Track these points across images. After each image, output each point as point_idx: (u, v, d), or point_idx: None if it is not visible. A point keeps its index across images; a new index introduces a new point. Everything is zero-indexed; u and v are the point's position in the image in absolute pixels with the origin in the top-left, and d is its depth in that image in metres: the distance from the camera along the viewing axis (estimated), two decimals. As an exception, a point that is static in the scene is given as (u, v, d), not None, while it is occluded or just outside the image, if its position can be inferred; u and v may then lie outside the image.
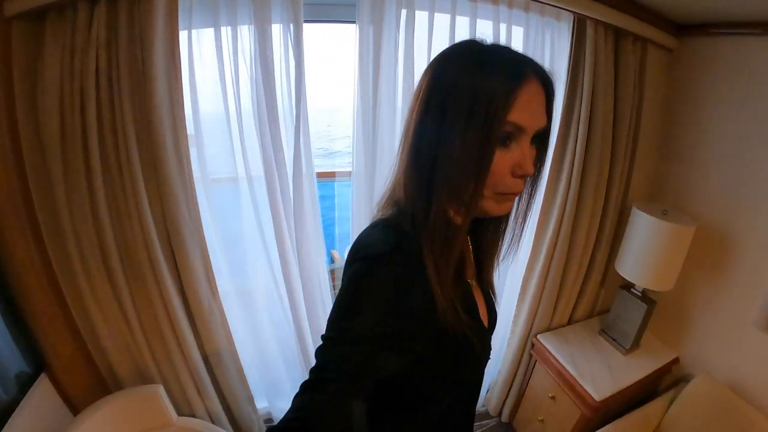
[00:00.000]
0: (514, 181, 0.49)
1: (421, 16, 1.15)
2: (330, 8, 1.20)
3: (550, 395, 1.49)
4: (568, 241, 1.45)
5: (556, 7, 1.20)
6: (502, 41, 1.20)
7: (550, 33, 1.32)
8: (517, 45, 1.27)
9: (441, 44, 1.18)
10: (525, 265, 1.51)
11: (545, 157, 0.55)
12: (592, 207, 1.44)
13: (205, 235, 1.13)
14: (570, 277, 1.52)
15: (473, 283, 0.63)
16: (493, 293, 0.69)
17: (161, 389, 1.20)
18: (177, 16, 0.91)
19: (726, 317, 1.42)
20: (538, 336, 1.56)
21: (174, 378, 1.24)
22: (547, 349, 1.51)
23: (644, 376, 1.44)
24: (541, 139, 0.51)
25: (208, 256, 1.15)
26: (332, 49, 1.36)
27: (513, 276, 1.60)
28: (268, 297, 1.38)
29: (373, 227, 0.54)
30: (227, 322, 1.27)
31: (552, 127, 0.52)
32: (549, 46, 1.33)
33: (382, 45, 1.11)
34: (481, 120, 0.45)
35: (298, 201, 1.17)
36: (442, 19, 1.18)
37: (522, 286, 1.54)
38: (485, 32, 1.19)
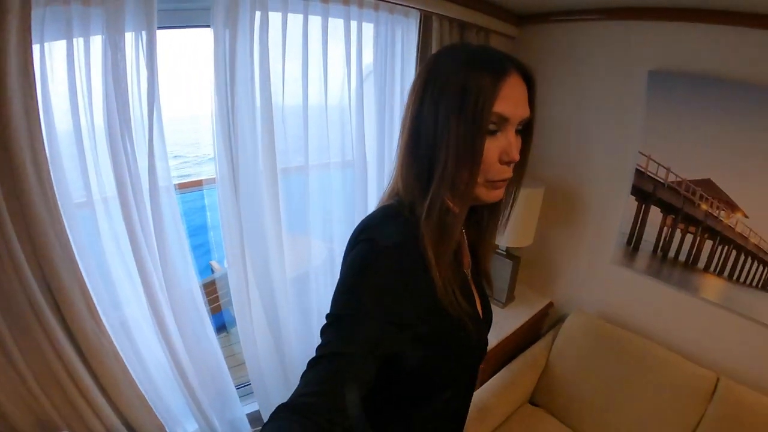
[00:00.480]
0: (502, 168, 0.56)
1: (275, 18, 1.23)
2: (185, 13, 1.23)
3: None
4: None
5: (403, 5, 1.37)
6: (353, 38, 1.36)
7: (400, 28, 1.49)
8: (368, 40, 1.42)
9: (295, 44, 1.28)
10: None
11: (530, 145, 0.62)
12: None
13: (80, 265, 1.08)
14: None
15: (468, 273, 0.69)
16: (489, 286, 0.76)
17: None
18: (30, 31, 0.87)
19: (586, 260, 1.74)
20: None
21: (78, 420, 1.18)
22: None
23: (523, 323, 1.70)
24: (525, 129, 0.59)
25: (87, 288, 1.10)
26: (192, 54, 1.40)
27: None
28: (140, 324, 1.33)
29: (377, 212, 0.61)
30: (119, 354, 1.22)
31: (535, 117, 0.60)
32: (399, 41, 1.50)
33: (237, 48, 1.18)
34: (471, 112, 0.51)
35: (158, 218, 1.17)
36: (295, 20, 1.27)
37: None
38: (338, 31, 1.33)
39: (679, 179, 1.49)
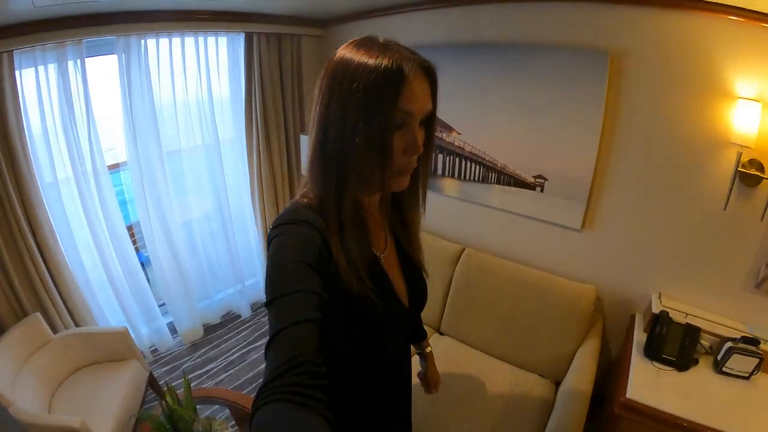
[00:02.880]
0: (407, 160, 0.73)
1: (152, 43, 2.47)
2: (100, 47, 2.33)
3: None
4: (268, 156, 3.03)
5: (231, 31, 2.70)
6: (201, 52, 2.63)
7: (233, 42, 2.81)
8: (212, 51, 2.72)
9: (165, 59, 2.55)
10: (248, 176, 3.04)
11: (433, 135, 0.80)
12: (277, 137, 3.02)
13: (48, 212, 2.27)
14: (278, 180, 3.12)
15: (382, 256, 0.88)
16: (423, 270, 1.00)
17: (39, 316, 2.22)
18: (14, 66, 2.27)
19: None
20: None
21: (43, 311, 2.29)
22: None
23: None
24: (428, 121, 0.76)
25: (52, 224, 2.30)
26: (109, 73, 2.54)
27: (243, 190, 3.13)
28: (89, 248, 2.62)
29: (287, 206, 0.80)
30: (69, 266, 2.44)
31: (436, 109, 0.77)
32: (233, 51, 2.81)
33: (131, 67, 2.42)
34: (378, 112, 0.67)
35: (98, 186, 2.44)
36: (165, 43, 2.53)
37: (251, 192, 3.10)
38: (189, 44, 2.59)
39: None
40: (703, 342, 2.05)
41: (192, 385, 1.75)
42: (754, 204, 1.91)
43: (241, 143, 3.01)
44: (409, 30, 2.64)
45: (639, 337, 2.11)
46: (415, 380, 1.20)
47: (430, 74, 0.74)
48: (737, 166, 1.86)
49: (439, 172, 2.70)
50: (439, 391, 1.43)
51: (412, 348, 1.34)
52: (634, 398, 1.79)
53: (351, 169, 0.72)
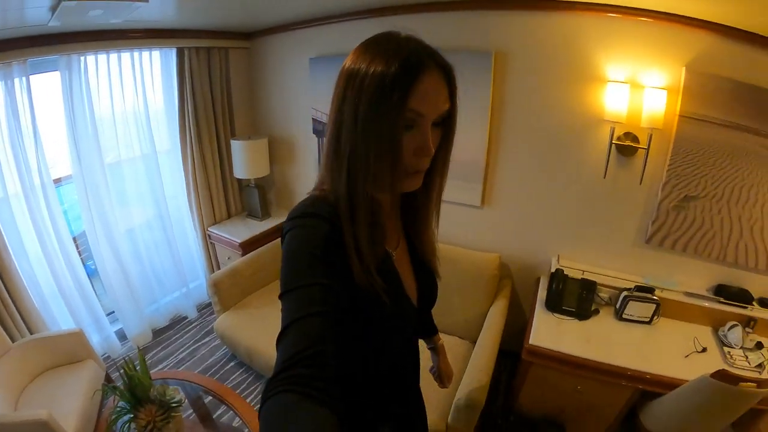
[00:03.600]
0: (417, 161, 0.76)
1: (91, 60, 2.78)
2: (44, 64, 2.58)
3: (228, 257, 3.29)
4: (202, 162, 3.39)
5: (163, 47, 3.05)
6: (137, 67, 2.99)
7: (166, 57, 3.15)
8: (147, 66, 3.06)
9: (103, 74, 2.87)
10: (184, 182, 3.38)
11: (451, 137, 0.84)
12: (209, 144, 3.39)
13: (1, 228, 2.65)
14: (212, 184, 3.50)
15: (393, 253, 0.94)
16: (436, 272, 1.05)
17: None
18: None
19: (306, 181, 3.43)
20: (210, 228, 3.39)
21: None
22: (218, 235, 3.42)
23: (275, 225, 3.52)
24: (445, 122, 0.79)
25: (4, 238, 2.55)
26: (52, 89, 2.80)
27: (181, 196, 3.42)
28: (39, 260, 2.88)
29: (301, 200, 0.85)
30: (21, 277, 2.67)
31: (456, 110, 0.80)
32: (166, 65, 3.16)
33: (72, 82, 2.73)
34: (387, 109, 0.69)
35: (46, 199, 2.73)
36: (103, 59, 2.83)
37: (188, 198, 3.45)
38: (125, 60, 2.91)
39: None
40: (601, 294, 2.55)
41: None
42: (633, 170, 2.45)
43: (177, 152, 3.36)
44: (330, 41, 3.08)
45: (542, 294, 2.59)
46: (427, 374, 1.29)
47: (447, 73, 0.76)
48: (611, 140, 2.39)
49: None
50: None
51: (424, 342, 1.43)
52: (537, 344, 2.25)
53: (361, 168, 0.75)
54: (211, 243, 3.65)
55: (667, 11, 2.14)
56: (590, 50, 2.34)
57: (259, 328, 2.81)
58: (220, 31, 3.26)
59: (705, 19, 2.11)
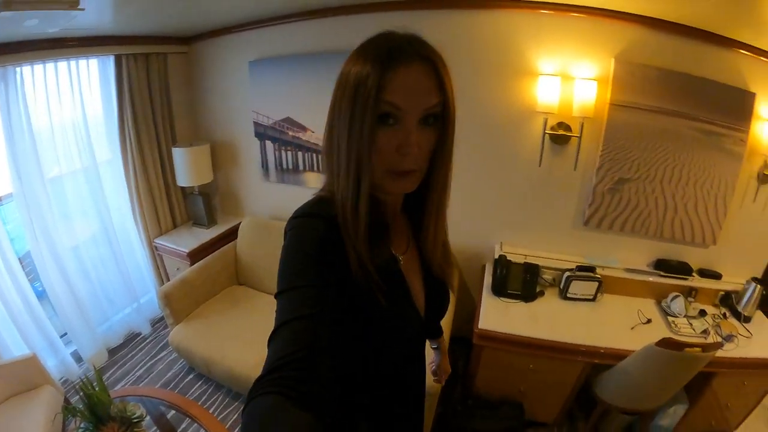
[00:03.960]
0: (400, 159, 0.75)
1: (27, 71, 2.73)
2: None
3: (177, 268, 3.29)
4: (144, 172, 3.38)
5: (101, 54, 3.02)
6: (74, 76, 2.95)
7: (104, 65, 3.10)
8: (84, 75, 3.02)
9: (40, 84, 2.83)
10: (127, 194, 3.40)
11: (448, 134, 0.81)
12: (150, 153, 3.40)
13: None
14: (155, 194, 3.49)
15: (401, 258, 0.95)
16: (449, 283, 1.06)
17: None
18: None
19: (250, 183, 3.63)
20: (156, 239, 3.40)
21: None
22: (165, 246, 3.45)
23: (222, 232, 3.54)
24: (437, 118, 0.77)
25: None
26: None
27: (125, 208, 3.43)
28: None
29: (310, 198, 0.88)
30: None
31: (450, 105, 0.78)
32: (104, 73, 3.12)
33: (9, 94, 2.68)
34: (362, 104, 0.71)
35: None
36: (39, 69, 2.80)
37: (132, 210, 3.45)
38: (62, 69, 2.87)
39: (274, 121, 3.15)
40: (545, 276, 2.73)
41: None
42: (567, 158, 2.64)
43: (118, 163, 3.34)
44: (270, 43, 3.14)
45: (488, 280, 2.77)
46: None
47: (434, 66, 0.75)
48: (544, 130, 2.57)
49: (300, 167, 3.35)
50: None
51: (429, 342, 1.44)
52: (486, 328, 2.41)
53: (348, 165, 0.77)
54: (158, 255, 3.64)
55: (597, 6, 2.32)
56: (523, 46, 2.51)
57: (215, 338, 2.86)
58: (158, 36, 3.26)
59: (633, 12, 2.30)
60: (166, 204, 3.63)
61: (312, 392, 0.61)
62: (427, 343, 1.37)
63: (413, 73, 0.72)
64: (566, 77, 2.45)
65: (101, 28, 2.81)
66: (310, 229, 0.80)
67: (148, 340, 3.60)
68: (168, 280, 3.68)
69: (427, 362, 1.22)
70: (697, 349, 2.08)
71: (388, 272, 0.87)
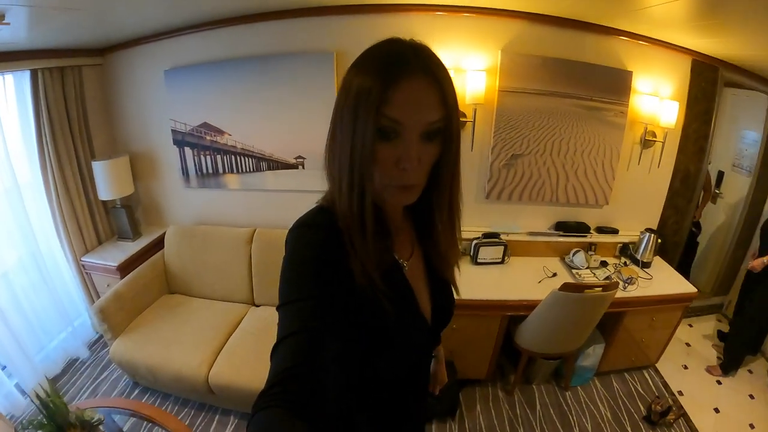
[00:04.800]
0: (399, 173, 0.78)
1: None
2: None
3: (107, 285, 3.46)
4: (65, 190, 3.51)
5: (15, 70, 3.10)
6: None
7: (20, 81, 3.13)
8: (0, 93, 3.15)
9: None
10: (53, 222, 3.54)
11: (452, 149, 0.83)
12: (71, 169, 3.54)
13: None
14: (78, 211, 3.65)
15: (405, 264, 0.99)
16: (455, 287, 1.10)
17: None
18: None
19: (172, 191, 3.86)
20: (83, 258, 3.63)
21: None
22: (92, 263, 3.65)
23: (148, 243, 3.76)
24: (439, 133, 0.80)
25: None
26: None
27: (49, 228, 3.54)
28: None
29: (312, 207, 0.93)
30: None
31: (454, 119, 0.80)
32: (20, 90, 3.15)
33: None
34: (363, 115, 0.74)
35: None
36: None
37: (56, 230, 3.58)
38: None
39: (192, 127, 3.39)
40: (458, 247, 3.22)
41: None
42: (464, 140, 3.02)
43: (39, 182, 3.37)
44: (184, 52, 3.37)
45: None
46: None
47: (437, 80, 0.76)
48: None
49: (220, 170, 3.64)
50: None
51: None
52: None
53: (350, 175, 0.79)
54: (86, 273, 3.75)
55: (484, 6, 2.81)
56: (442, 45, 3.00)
57: (157, 344, 3.04)
58: (73, 49, 3.37)
59: (516, 9, 2.81)
60: (89, 220, 3.75)
61: (314, 405, 0.66)
62: None
63: (415, 88, 0.75)
64: (459, 70, 2.93)
65: (15, 42, 2.90)
66: (310, 240, 0.84)
67: (87, 364, 3.70)
68: (99, 298, 3.74)
69: None
70: (598, 290, 2.56)
71: (392, 279, 0.91)
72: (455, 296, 1.13)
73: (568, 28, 2.87)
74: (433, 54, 0.79)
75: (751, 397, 3.42)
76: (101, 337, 3.76)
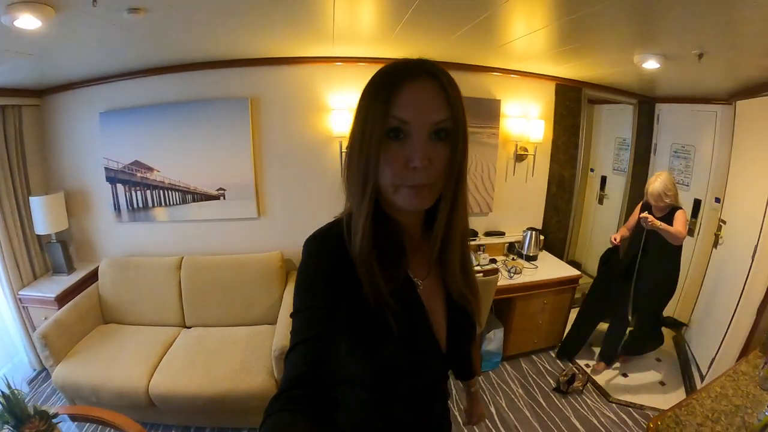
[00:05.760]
0: (410, 173, 0.81)
1: None
2: None
3: (44, 318, 3.82)
4: (4, 225, 3.78)
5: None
6: None
7: None
8: None
9: None
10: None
11: (459, 149, 0.86)
12: (9, 204, 3.80)
13: None
14: (15, 246, 3.89)
15: (420, 283, 1.00)
16: (472, 313, 1.07)
17: None
18: None
19: (105, 226, 4.27)
20: (20, 292, 3.93)
21: None
22: (30, 296, 3.91)
23: (83, 276, 4.10)
24: (447, 133, 0.83)
25: None
26: None
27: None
28: None
29: (331, 221, 0.96)
30: None
31: (460, 120, 0.84)
32: None
33: None
34: (371, 119, 0.80)
35: None
36: None
37: None
38: None
39: (124, 165, 3.92)
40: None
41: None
42: None
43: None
44: (119, 96, 3.86)
45: None
46: None
47: (439, 80, 0.81)
48: (341, 150, 3.84)
49: (150, 204, 4.09)
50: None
51: (461, 384, 1.54)
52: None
53: (358, 181, 0.85)
54: (23, 307, 3.94)
55: (373, 56, 3.58)
56: (320, 89, 3.76)
57: (97, 366, 3.27)
58: (12, 88, 3.62)
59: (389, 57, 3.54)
60: (25, 255, 3.99)
61: (320, 409, 0.70)
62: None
63: (421, 89, 0.81)
64: (352, 109, 3.50)
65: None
66: (322, 250, 0.90)
67: (28, 400, 3.75)
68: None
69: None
70: (479, 275, 3.07)
71: (404, 296, 0.93)
72: (477, 327, 1.12)
73: (453, 69, 3.46)
74: (436, 64, 0.85)
75: (658, 360, 4.01)
76: (40, 372, 4.01)
